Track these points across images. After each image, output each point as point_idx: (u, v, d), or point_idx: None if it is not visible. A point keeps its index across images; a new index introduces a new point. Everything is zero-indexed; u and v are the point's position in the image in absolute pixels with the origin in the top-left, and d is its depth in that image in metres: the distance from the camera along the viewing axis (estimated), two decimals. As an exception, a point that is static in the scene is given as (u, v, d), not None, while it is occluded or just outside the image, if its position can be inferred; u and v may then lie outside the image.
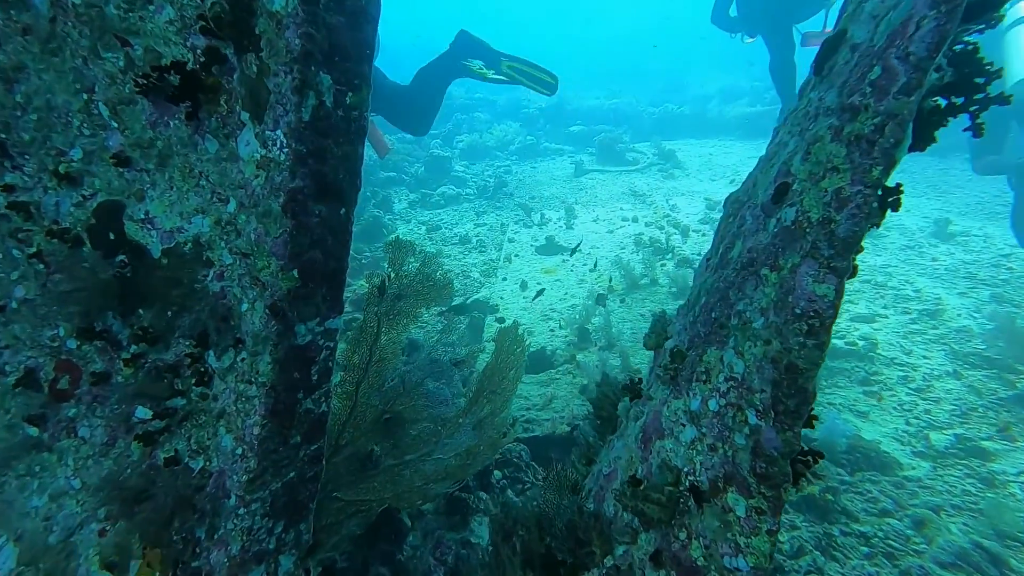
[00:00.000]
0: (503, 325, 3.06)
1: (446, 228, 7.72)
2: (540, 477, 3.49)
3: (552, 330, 4.95)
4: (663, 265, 5.37)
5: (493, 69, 4.99)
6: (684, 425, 1.14)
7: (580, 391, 4.19)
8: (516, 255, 6.31)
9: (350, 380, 2.55)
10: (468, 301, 5.64)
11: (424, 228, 7.75)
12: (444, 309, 5.54)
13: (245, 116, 1.29)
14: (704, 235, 5.93)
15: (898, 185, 0.80)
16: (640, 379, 1.59)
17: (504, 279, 5.85)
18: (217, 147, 1.33)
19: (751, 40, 5.99)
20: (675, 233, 6.05)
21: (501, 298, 5.56)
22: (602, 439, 1.69)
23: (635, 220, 6.62)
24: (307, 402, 1.57)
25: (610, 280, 5.25)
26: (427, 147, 10.42)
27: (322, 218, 1.50)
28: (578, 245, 5.11)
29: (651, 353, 2.01)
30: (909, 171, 7.92)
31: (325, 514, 2.34)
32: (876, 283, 5.20)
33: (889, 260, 5.57)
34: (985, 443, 3.67)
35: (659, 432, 1.22)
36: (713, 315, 1.14)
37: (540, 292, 5.19)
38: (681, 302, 4.97)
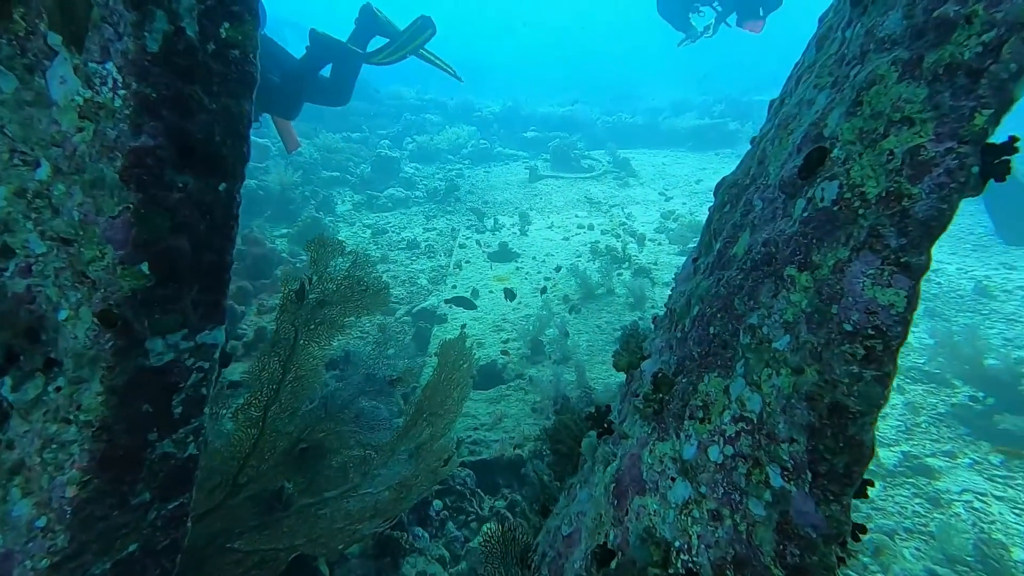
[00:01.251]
0: (449, 337, 2.71)
1: (393, 232, 7.28)
2: (485, 507, 3.13)
3: (504, 341, 4.63)
4: (620, 275, 5.18)
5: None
6: (674, 479, 0.84)
7: (533, 409, 3.88)
8: (467, 261, 5.97)
9: (257, 402, 2.12)
10: (437, 302, 5.23)
11: (369, 231, 7.28)
12: (404, 313, 5.11)
13: (55, 39, 0.89)
14: (660, 244, 5.82)
15: (1012, 139, 0.54)
16: (608, 407, 1.28)
17: (454, 287, 5.49)
18: (15, 85, 0.92)
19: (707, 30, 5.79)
20: (631, 242, 5.90)
21: (450, 307, 5.19)
22: (559, 479, 1.37)
23: (591, 228, 6.43)
24: (164, 444, 1.15)
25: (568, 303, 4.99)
26: (374, 146, 9.93)
27: (188, 193, 1.10)
28: (513, 298, 4.79)
29: (611, 367, 1.70)
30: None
31: (215, 572, 1.88)
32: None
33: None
34: (929, 460, 3.67)
35: (639, 485, 0.91)
36: (712, 330, 0.85)
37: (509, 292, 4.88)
38: (639, 313, 4.74)
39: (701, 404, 0.80)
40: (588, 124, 11.54)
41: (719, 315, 0.82)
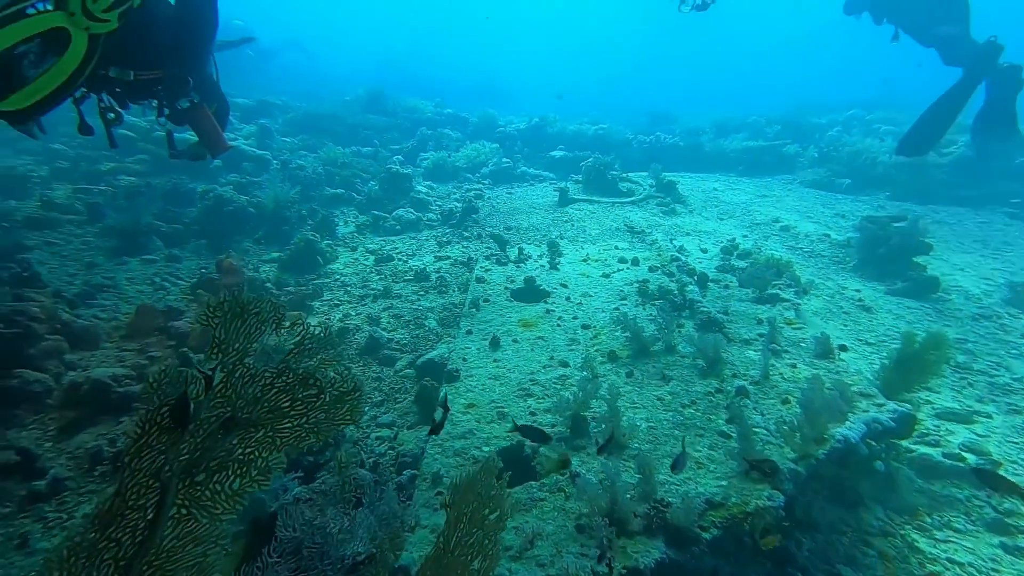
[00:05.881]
0: (469, 469, 1.59)
1: (399, 260, 6.23)
2: None
3: (533, 414, 3.48)
4: (680, 326, 4.02)
5: None
6: None
7: (578, 528, 2.70)
8: (486, 300, 4.86)
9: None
10: (447, 351, 4.11)
11: (372, 258, 6.24)
12: (405, 365, 3.95)
13: None
14: (727, 287, 4.66)
15: None
16: None
17: (469, 332, 4.38)
18: None
19: None
20: (690, 283, 4.75)
21: (464, 359, 4.06)
22: None
23: (635, 263, 5.31)
24: None
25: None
26: (385, 162, 9.00)
27: None
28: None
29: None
30: (946, 223, 6.98)
31: None
32: (956, 363, 3.99)
33: (964, 334, 4.41)
34: None
35: None
36: None
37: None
38: (713, 383, 3.34)
39: None
40: (622, 144, 10.48)
41: None
